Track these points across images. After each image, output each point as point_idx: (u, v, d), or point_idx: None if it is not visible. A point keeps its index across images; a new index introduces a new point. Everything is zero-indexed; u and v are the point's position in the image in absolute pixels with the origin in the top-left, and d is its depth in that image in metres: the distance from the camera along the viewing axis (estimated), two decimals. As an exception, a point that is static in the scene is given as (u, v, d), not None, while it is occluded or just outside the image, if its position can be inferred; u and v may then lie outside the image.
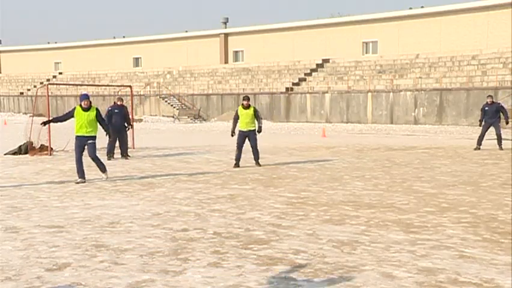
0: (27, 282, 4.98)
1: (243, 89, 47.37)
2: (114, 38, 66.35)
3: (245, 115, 13.44)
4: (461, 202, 8.85)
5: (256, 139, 13.60)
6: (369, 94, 39.77)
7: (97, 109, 11.21)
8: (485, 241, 6.38)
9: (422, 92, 37.68)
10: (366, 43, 48.14)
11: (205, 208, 8.40)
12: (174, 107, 48.00)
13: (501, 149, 17.56)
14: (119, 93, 34.75)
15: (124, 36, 65.46)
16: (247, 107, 13.48)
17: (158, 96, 50.06)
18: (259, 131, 13.58)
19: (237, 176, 12.11)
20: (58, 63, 68.76)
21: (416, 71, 41.01)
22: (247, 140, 13.60)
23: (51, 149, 16.83)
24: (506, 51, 38.67)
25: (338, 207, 8.38)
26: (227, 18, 60.30)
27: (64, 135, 17.06)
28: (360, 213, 7.97)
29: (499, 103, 19.13)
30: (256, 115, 13.53)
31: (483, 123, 17.93)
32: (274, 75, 48.51)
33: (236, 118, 13.72)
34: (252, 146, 13.55)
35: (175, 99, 49.50)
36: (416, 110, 37.78)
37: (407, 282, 4.96)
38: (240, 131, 13.59)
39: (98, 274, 5.19)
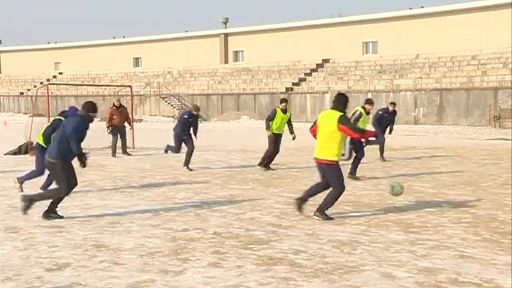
0: (27, 282, 4.98)
1: (243, 89, 47.37)
2: (114, 38, 66.39)
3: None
4: (461, 202, 8.84)
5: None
6: (369, 94, 39.75)
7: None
8: (485, 241, 6.38)
9: (422, 92, 37.68)
10: (366, 43, 48.13)
11: (205, 208, 8.40)
12: (174, 107, 47.99)
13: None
14: (119, 93, 34.75)
15: (124, 36, 65.53)
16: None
17: (158, 96, 50.07)
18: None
19: (237, 176, 12.11)
20: (58, 63, 68.73)
21: (416, 71, 41.01)
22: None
23: (51, 149, 16.79)
24: (506, 51, 38.67)
25: (338, 207, 8.37)
26: (227, 18, 60.38)
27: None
28: (360, 213, 7.97)
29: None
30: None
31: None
32: (274, 75, 48.50)
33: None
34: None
35: (175, 99, 49.48)
36: (416, 110, 37.78)
37: (407, 282, 4.96)
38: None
39: (98, 274, 5.19)
